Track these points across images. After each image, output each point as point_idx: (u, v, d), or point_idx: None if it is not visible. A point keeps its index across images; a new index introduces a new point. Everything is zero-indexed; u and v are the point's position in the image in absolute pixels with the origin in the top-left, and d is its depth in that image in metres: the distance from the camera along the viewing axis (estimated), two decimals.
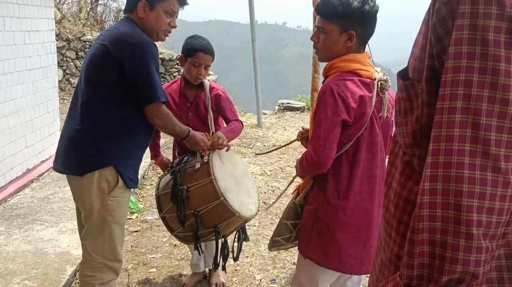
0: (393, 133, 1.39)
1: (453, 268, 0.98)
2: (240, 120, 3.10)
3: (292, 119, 10.07)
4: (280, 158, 7.05)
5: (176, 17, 2.55)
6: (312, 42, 2.30)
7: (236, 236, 3.06)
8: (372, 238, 2.29)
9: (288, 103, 11.31)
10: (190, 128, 2.66)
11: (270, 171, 6.42)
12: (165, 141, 6.78)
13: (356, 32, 2.15)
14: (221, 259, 2.99)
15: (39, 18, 5.50)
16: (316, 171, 2.23)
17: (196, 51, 2.94)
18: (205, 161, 2.71)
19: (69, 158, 2.48)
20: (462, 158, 0.98)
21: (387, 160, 2.15)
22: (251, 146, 7.64)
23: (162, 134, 3.37)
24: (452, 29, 1.02)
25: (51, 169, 5.56)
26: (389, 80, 2.23)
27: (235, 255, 3.06)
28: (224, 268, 3.10)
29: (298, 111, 10.78)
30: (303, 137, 2.49)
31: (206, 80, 3.11)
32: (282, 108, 11.13)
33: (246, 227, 3.18)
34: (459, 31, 1.00)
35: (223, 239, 2.89)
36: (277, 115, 10.54)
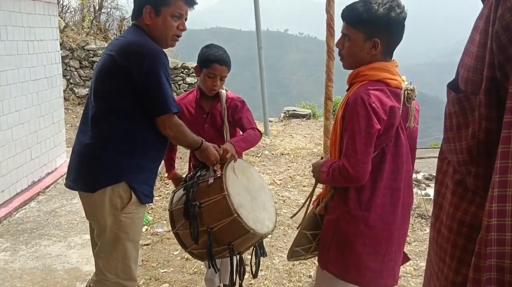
0: (440, 150, 1.29)
1: None
2: (257, 129, 2.97)
3: (299, 126, 9.96)
4: (289, 167, 6.94)
5: (186, 19, 2.42)
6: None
7: (254, 251, 2.91)
8: (391, 252, 2.23)
9: (294, 110, 11.21)
10: (203, 139, 2.55)
11: (280, 180, 6.29)
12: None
13: (381, 40, 2.08)
14: (237, 277, 2.86)
15: (43, 27, 5.40)
16: (351, 185, 2.13)
17: (212, 62, 2.83)
18: (218, 175, 2.58)
19: (80, 174, 2.37)
20: None
21: (414, 173, 2.05)
22: (258, 155, 7.52)
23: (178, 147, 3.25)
24: None
25: (57, 181, 5.45)
26: (416, 90, 2.15)
27: (253, 271, 2.93)
28: (241, 286, 2.96)
29: (304, 119, 10.68)
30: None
31: (223, 91, 2.99)
32: (288, 115, 11.03)
33: None
34: None
35: (238, 256, 2.76)
36: (283, 123, 10.44)
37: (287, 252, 4.12)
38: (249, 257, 2.91)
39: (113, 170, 2.31)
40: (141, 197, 2.37)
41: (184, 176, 3.00)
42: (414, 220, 4.99)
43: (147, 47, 2.24)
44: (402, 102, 2.09)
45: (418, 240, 4.52)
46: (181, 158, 6.15)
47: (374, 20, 2.04)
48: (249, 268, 2.91)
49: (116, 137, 2.30)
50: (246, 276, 3.55)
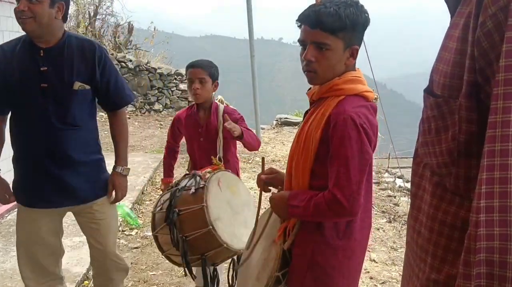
0: (415, 155, 1.32)
1: None
2: (258, 139, 3.04)
3: (290, 134, 10.06)
4: None
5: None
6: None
7: (231, 263, 2.79)
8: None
9: (286, 118, 11.32)
10: None
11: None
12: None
13: (358, 47, 1.85)
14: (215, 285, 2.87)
15: None
16: (341, 219, 1.85)
17: (187, 69, 3.02)
18: (201, 185, 2.62)
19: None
20: None
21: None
22: (250, 161, 7.60)
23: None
24: (499, 42, 0.99)
25: None
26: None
27: (230, 282, 2.92)
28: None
29: (296, 126, 10.78)
30: (267, 183, 2.08)
31: (221, 104, 3.08)
32: (280, 123, 11.14)
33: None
34: (510, 44, 0.98)
35: (212, 267, 2.76)
36: (275, 130, 10.54)
37: None
38: (227, 267, 2.91)
39: None
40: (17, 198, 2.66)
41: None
42: (401, 227, 5.08)
43: None
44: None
45: (404, 247, 4.60)
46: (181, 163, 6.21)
47: (355, 26, 1.79)
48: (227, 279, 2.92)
49: None
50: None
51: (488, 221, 0.96)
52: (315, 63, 1.81)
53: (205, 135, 3.03)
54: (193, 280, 2.94)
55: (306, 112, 1.98)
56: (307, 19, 1.80)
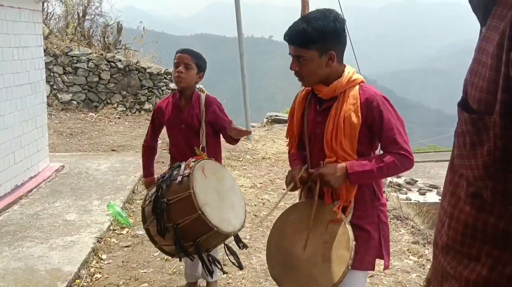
0: (451, 163, 1.38)
1: None
2: None
3: (281, 131, 10.10)
4: (270, 171, 7.08)
5: None
6: None
7: (226, 249, 2.95)
8: None
9: (276, 115, 11.37)
10: None
11: (260, 183, 6.43)
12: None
13: (335, 51, 2.18)
14: (216, 268, 2.96)
15: (27, 34, 5.50)
16: (407, 171, 2.31)
17: (176, 54, 3.09)
18: (186, 174, 2.70)
19: None
20: None
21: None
22: (240, 159, 7.65)
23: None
24: None
25: (40, 185, 5.53)
26: None
27: (240, 263, 3.03)
28: (223, 271, 3.10)
29: (286, 124, 10.81)
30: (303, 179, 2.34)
31: (202, 94, 3.15)
32: (270, 121, 11.18)
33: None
34: None
35: (206, 253, 2.85)
36: (265, 128, 10.59)
37: (265, 252, 4.25)
38: (226, 255, 3.00)
39: None
40: None
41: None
42: (390, 221, 5.16)
43: None
44: None
45: (393, 241, 4.67)
46: (162, 162, 6.25)
47: (324, 36, 2.13)
48: (231, 263, 3.00)
49: None
50: (224, 276, 3.69)
51: None
52: (299, 71, 2.21)
53: (186, 122, 3.10)
54: (191, 260, 3.00)
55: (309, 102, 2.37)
56: (286, 37, 2.21)
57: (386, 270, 2.42)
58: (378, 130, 2.20)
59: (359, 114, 2.18)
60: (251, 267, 4.00)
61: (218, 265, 2.97)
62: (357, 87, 2.23)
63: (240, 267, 3.04)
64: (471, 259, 1.25)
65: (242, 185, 6.18)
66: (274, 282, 3.71)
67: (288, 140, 2.59)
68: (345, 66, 2.29)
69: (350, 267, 2.13)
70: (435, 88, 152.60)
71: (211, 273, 2.96)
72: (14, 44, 5.14)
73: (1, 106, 4.90)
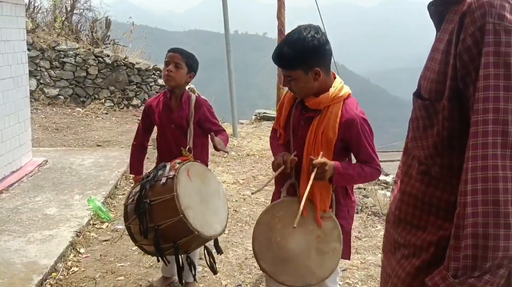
0: (405, 147, 1.60)
1: (495, 255, 1.17)
2: (223, 129, 3.21)
3: (268, 129, 10.15)
4: (253, 167, 7.13)
5: None
6: None
7: (205, 250, 2.98)
8: None
9: (265, 113, 11.40)
10: None
11: (242, 179, 6.48)
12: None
13: (320, 67, 2.30)
14: (192, 270, 2.99)
15: (10, 28, 5.50)
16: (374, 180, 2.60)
17: (167, 53, 3.10)
18: (171, 176, 2.72)
19: None
20: (496, 161, 1.18)
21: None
22: (224, 155, 7.68)
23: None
24: (476, 56, 1.23)
25: (22, 180, 5.54)
26: None
27: (214, 268, 3.05)
28: (194, 279, 3.11)
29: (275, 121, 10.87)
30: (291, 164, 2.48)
31: (193, 94, 3.18)
32: (258, 118, 11.22)
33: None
34: (486, 57, 1.21)
35: (185, 255, 2.90)
36: (253, 125, 10.63)
37: (242, 247, 4.29)
38: (202, 256, 3.02)
39: None
40: None
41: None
42: (367, 217, 5.23)
43: None
44: None
45: (368, 236, 4.75)
46: (148, 158, 6.26)
47: (305, 57, 2.26)
48: (207, 265, 3.05)
49: None
50: (200, 269, 3.73)
51: (474, 202, 1.21)
52: (290, 87, 2.41)
53: (176, 122, 3.12)
54: (166, 265, 3.05)
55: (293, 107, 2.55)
56: (273, 61, 2.40)
57: (346, 259, 2.68)
58: (355, 148, 2.45)
59: (336, 131, 2.36)
60: (227, 261, 4.05)
61: (193, 270, 2.99)
62: (341, 104, 2.39)
63: (214, 271, 3.07)
64: (418, 228, 1.47)
65: (225, 181, 6.22)
66: (249, 275, 3.79)
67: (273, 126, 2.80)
68: (334, 77, 2.46)
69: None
70: None
71: (186, 277, 3.00)
72: None
73: None
